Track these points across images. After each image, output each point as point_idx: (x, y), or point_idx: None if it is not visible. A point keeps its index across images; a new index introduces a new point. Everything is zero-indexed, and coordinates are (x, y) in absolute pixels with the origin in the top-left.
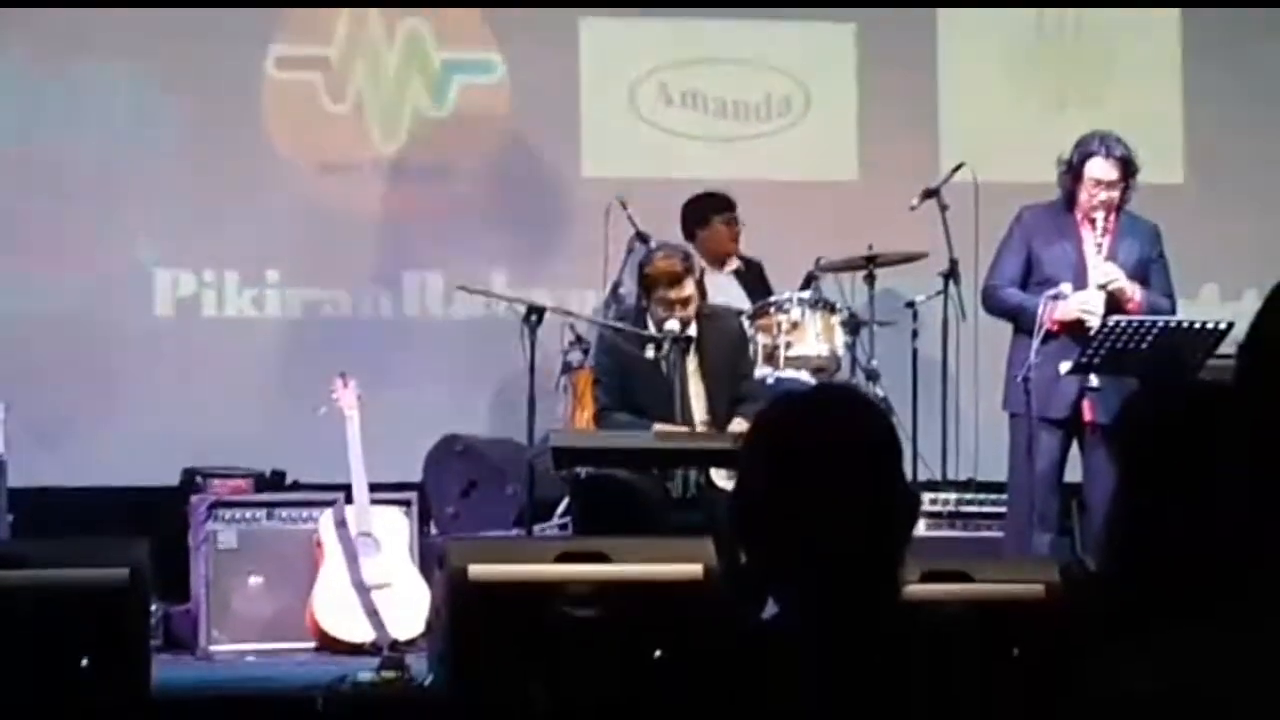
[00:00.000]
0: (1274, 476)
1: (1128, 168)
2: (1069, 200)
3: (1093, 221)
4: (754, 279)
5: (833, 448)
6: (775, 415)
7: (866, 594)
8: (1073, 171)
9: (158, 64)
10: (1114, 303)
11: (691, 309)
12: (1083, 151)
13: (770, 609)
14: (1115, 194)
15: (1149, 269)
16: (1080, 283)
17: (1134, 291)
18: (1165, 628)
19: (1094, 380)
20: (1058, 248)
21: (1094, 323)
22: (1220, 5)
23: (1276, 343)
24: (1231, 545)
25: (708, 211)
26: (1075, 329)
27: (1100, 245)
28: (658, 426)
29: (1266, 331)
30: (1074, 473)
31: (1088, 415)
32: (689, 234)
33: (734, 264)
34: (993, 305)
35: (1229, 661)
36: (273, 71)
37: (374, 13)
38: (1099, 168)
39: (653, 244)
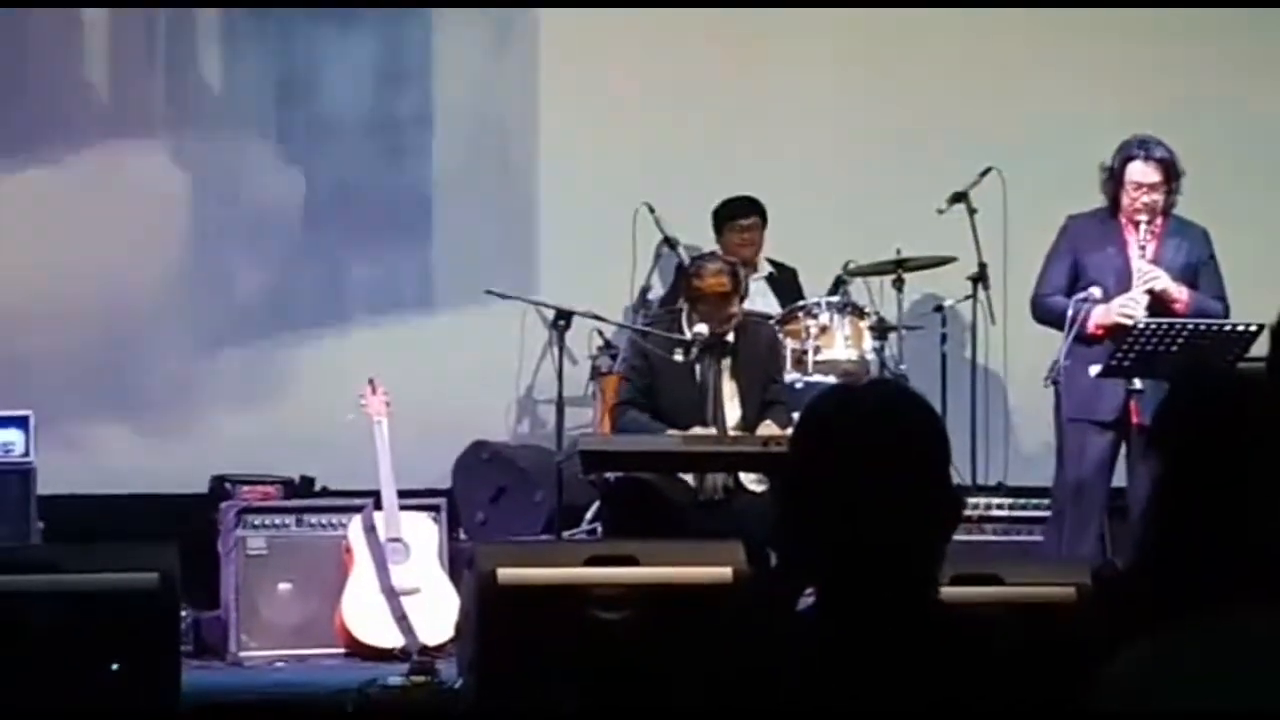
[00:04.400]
0: None
1: (1168, 170)
2: (1113, 206)
3: (1137, 225)
4: (787, 285)
5: (882, 443)
6: (826, 408)
7: (907, 590)
8: (1114, 176)
9: None
10: (1161, 305)
11: (734, 323)
12: (1123, 156)
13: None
14: (1158, 196)
15: (1198, 272)
16: (1125, 287)
17: (1180, 292)
18: (1195, 620)
19: (1137, 383)
20: (1102, 254)
21: (1139, 325)
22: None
23: None
24: (1262, 537)
25: (721, 221)
26: (1119, 333)
27: (1144, 248)
28: (672, 433)
29: None
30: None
31: (1135, 418)
32: (716, 240)
33: (766, 269)
34: (1040, 314)
35: (1258, 653)
36: None
37: None
38: (1139, 171)
39: (681, 249)
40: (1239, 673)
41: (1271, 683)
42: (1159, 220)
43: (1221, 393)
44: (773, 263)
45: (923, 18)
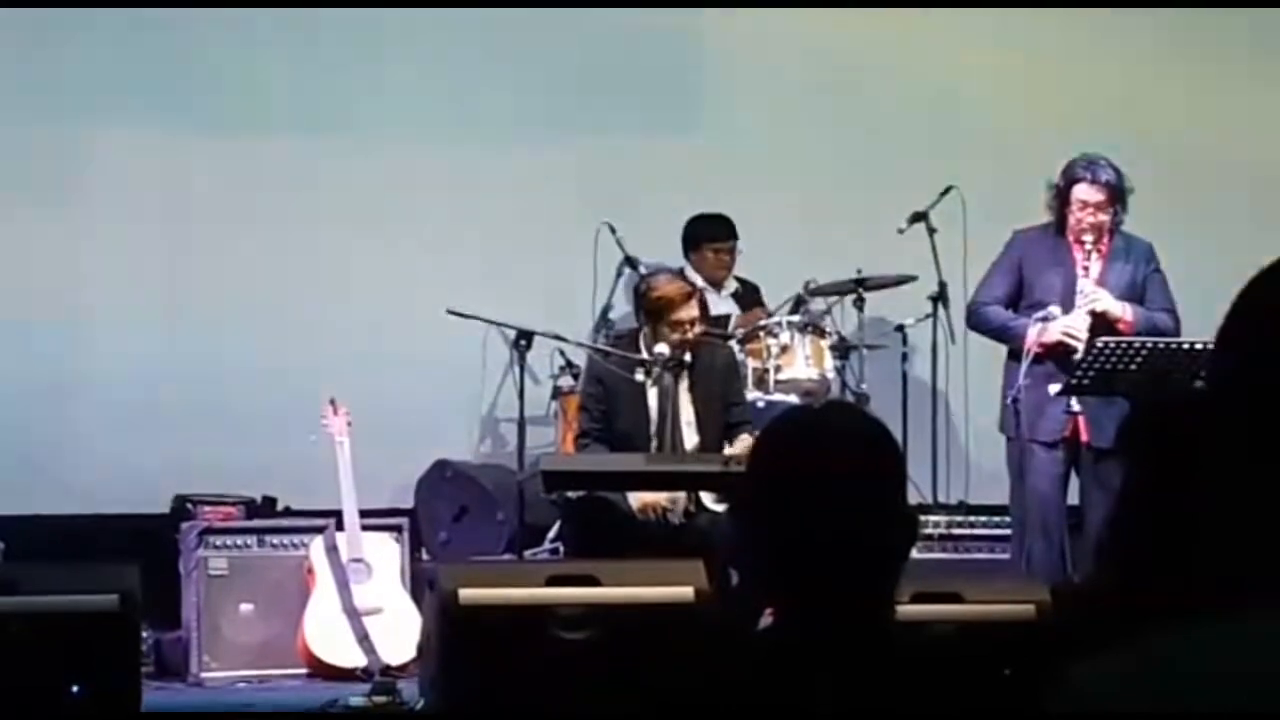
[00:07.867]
0: (1244, 479)
1: (1114, 191)
2: (1060, 224)
3: (1083, 244)
4: (750, 302)
5: (838, 463)
6: (781, 431)
7: (863, 610)
8: (1060, 196)
9: None
10: (1106, 324)
11: (699, 328)
12: (1069, 176)
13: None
14: (1104, 217)
15: (1145, 286)
16: (1070, 306)
17: (1123, 311)
18: (1160, 630)
19: (1075, 404)
20: (1050, 271)
21: (1079, 346)
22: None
23: (1250, 334)
24: (1225, 549)
25: (699, 238)
26: (1061, 352)
27: (1087, 269)
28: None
29: (1241, 324)
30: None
31: (1083, 437)
32: (685, 254)
33: (731, 286)
34: (976, 323)
35: (1222, 663)
36: None
37: None
38: (1084, 192)
39: (643, 269)
40: (1203, 681)
41: (1235, 691)
42: (1105, 239)
43: (1185, 408)
44: (737, 279)
45: (884, 36)
